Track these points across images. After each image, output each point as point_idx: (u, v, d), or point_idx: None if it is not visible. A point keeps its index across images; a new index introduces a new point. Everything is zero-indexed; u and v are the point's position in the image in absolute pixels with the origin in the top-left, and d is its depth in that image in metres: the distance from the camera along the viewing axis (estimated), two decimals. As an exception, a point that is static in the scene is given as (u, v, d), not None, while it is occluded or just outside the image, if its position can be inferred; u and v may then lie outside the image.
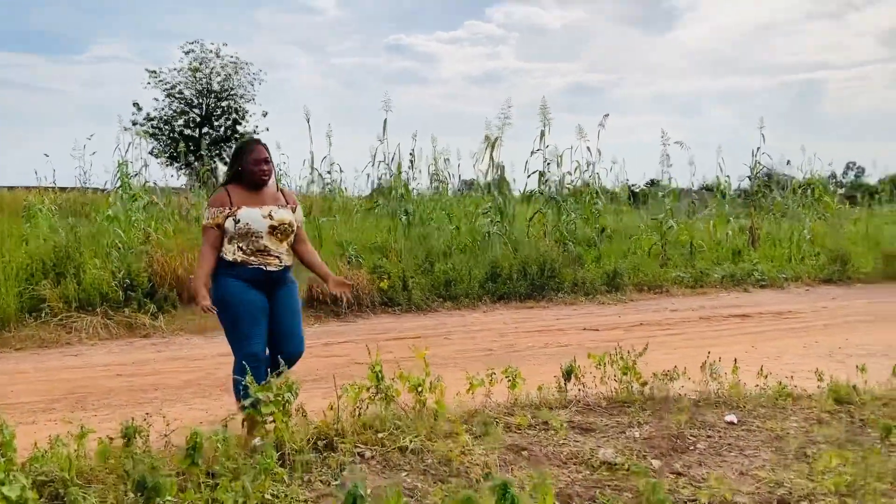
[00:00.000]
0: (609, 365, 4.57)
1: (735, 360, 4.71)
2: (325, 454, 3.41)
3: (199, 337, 7.01)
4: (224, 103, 30.73)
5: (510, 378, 4.33)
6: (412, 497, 2.99)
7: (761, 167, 15.85)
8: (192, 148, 26.59)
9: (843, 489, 3.08)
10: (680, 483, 3.23)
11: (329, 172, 13.91)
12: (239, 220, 3.71)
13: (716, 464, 3.50)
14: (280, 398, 3.42)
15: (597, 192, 13.46)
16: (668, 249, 12.67)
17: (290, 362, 3.78)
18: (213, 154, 28.73)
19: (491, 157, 12.06)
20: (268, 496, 2.85)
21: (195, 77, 30.02)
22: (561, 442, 3.73)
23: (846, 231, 15.86)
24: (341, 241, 11.12)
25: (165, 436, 3.50)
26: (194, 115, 30.58)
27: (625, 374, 4.50)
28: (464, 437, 3.55)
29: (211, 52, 29.60)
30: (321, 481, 3.14)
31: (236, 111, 30.84)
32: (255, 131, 29.84)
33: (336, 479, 3.18)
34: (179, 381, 5.36)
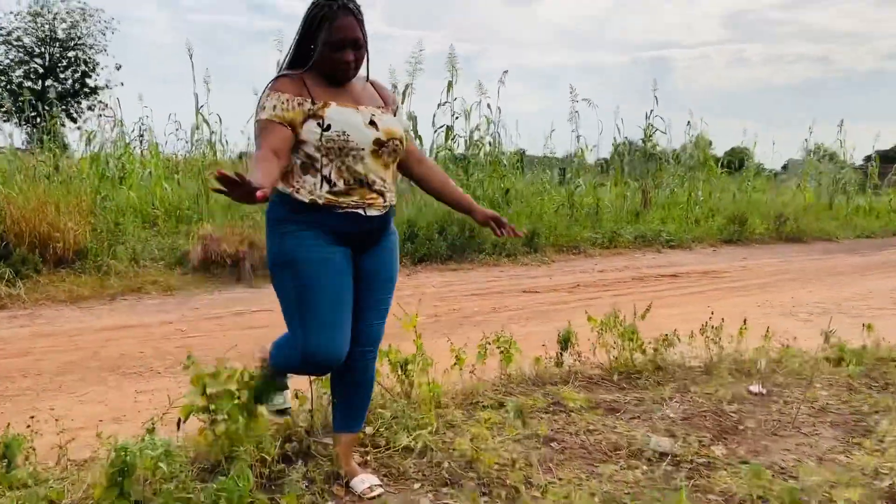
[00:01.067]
0: (609, 330, 3.87)
1: (744, 320, 4.15)
2: (303, 465, 2.47)
3: (73, 307, 5.68)
4: (71, 53, 27.55)
5: (503, 349, 3.53)
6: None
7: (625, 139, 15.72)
8: (33, 102, 23.53)
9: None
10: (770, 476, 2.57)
11: (206, 122, 12.38)
12: (329, 125, 2.12)
13: (780, 448, 2.88)
14: (240, 386, 2.44)
15: (501, 153, 12.87)
16: (574, 211, 12.34)
17: (369, 353, 2.44)
18: (60, 109, 25.62)
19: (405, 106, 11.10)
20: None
21: (36, 23, 26.63)
22: (590, 427, 2.98)
23: (739, 197, 16.32)
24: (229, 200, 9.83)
25: (60, 447, 2.44)
26: (35, 66, 27.18)
27: (629, 339, 3.81)
28: (481, 431, 2.72)
29: (53, -6, 26.30)
30: (311, 506, 2.21)
31: (85, 62, 27.76)
32: (107, 85, 26.92)
33: (330, 500, 2.26)
34: (56, 364, 4.13)
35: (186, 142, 14.63)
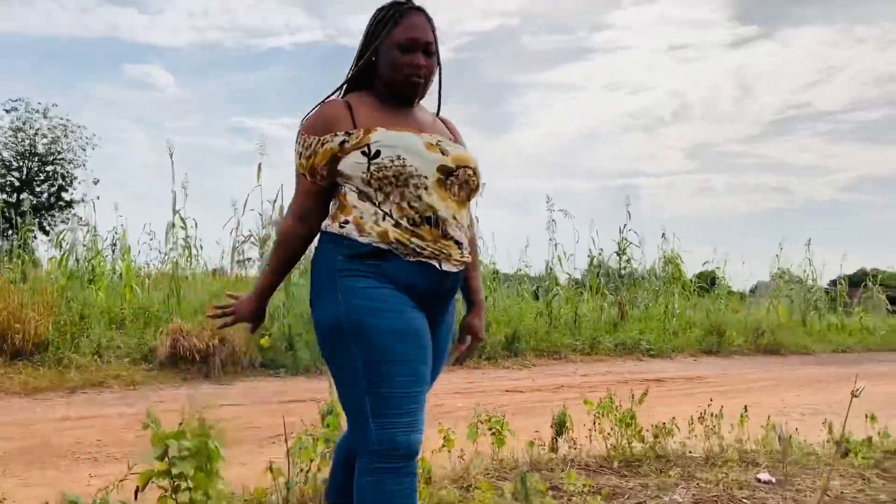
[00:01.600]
0: (604, 416, 3.64)
1: (745, 407, 3.95)
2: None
3: (27, 399, 5.29)
4: (49, 167, 27.71)
5: (495, 431, 3.28)
6: None
7: (599, 256, 15.89)
8: (7, 214, 23.37)
9: None
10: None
11: (184, 226, 12.25)
12: (378, 151, 1.67)
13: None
14: (202, 449, 2.17)
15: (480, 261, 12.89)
16: (553, 319, 12.24)
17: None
18: (33, 221, 25.51)
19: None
20: None
21: (17, 138, 26.89)
22: (595, 512, 2.71)
23: (715, 314, 16.39)
24: (202, 301, 9.57)
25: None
26: (12, 179, 27.22)
27: (628, 426, 3.58)
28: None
29: (37, 111, 26.68)
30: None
31: (63, 176, 27.87)
32: (83, 199, 27.01)
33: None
34: (2, 451, 3.76)
35: (160, 251, 14.42)
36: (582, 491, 2.90)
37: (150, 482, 2.12)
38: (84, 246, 12.14)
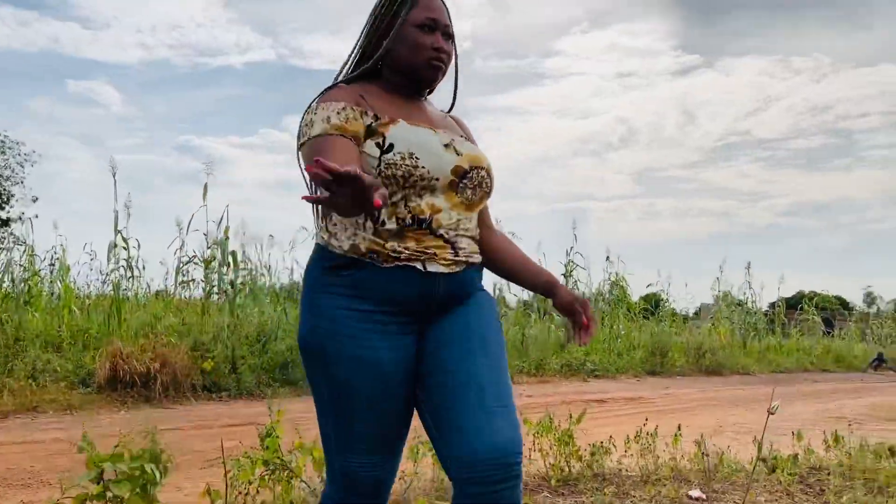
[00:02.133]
0: (543, 436, 3.73)
1: (678, 426, 4.09)
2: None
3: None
4: (-16, 185, 26.75)
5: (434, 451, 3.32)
6: None
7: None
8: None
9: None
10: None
11: (126, 246, 11.98)
12: (391, 145, 1.49)
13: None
14: (137, 473, 2.17)
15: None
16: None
17: (494, 479, 1.37)
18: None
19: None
20: None
21: (-49, 154, 25.94)
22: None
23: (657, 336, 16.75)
24: (147, 320, 9.38)
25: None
26: (-55, 196, 26.21)
27: (565, 445, 3.67)
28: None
29: (-30, 127, 25.81)
30: None
31: (-1, 194, 26.95)
32: (20, 217, 26.20)
33: None
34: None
35: (101, 272, 14.05)
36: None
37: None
38: (20, 266, 11.80)
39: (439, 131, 1.59)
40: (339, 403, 1.53)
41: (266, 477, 2.64)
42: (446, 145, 1.56)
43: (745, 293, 21.88)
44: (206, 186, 10.34)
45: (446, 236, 1.52)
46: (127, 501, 2.09)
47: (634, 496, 3.33)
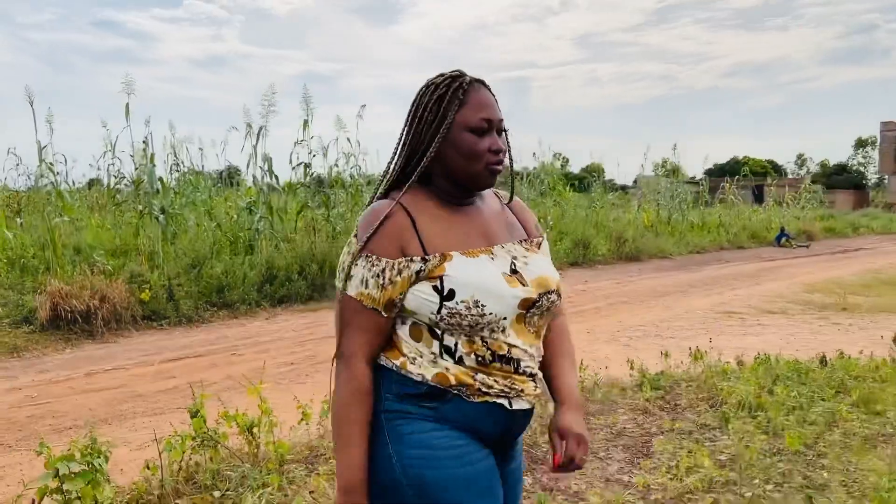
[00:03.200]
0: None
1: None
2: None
3: None
4: None
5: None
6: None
7: None
8: None
9: (705, 486, 3.16)
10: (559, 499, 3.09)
11: (51, 165, 11.91)
12: (452, 291, 1.39)
13: (576, 473, 3.42)
14: (90, 467, 2.65)
15: (361, 184, 13.29)
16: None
17: None
18: None
19: (254, 147, 11.23)
20: None
21: None
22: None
23: (582, 217, 17.56)
24: (78, 245, 9.57)
25: None
26: None
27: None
28: (319, 483, 3.06)
29: None
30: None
31: None
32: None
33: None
34: None
35: (29, 176, 13.98)
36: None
37: (47, 496, 2.58)
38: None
39: (498, 251, 1.47)
40: None
41: (197, 447, 3.14)
42: (512, 272, 1.44)
43: (674, 168, 22.89)
44: (127, 107, 10.25)
45: (527, 371, 1.44)
46: (80, 492, 2.58)
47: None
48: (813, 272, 12.47)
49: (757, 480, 3.21)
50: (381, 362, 1.44)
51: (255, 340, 6.89)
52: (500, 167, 1.46)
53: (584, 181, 25.63)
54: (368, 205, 1.48)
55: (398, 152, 1.50)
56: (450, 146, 1.43)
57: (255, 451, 3.33)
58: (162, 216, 9.09)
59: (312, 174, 11.98)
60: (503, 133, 1.49)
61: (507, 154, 1.49)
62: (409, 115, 1.49)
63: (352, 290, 1.40)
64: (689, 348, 5.25)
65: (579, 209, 18.61)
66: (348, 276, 1.41)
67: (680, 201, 21.51)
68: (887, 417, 4.00)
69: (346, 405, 1.37)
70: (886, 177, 54.03)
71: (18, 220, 11.94)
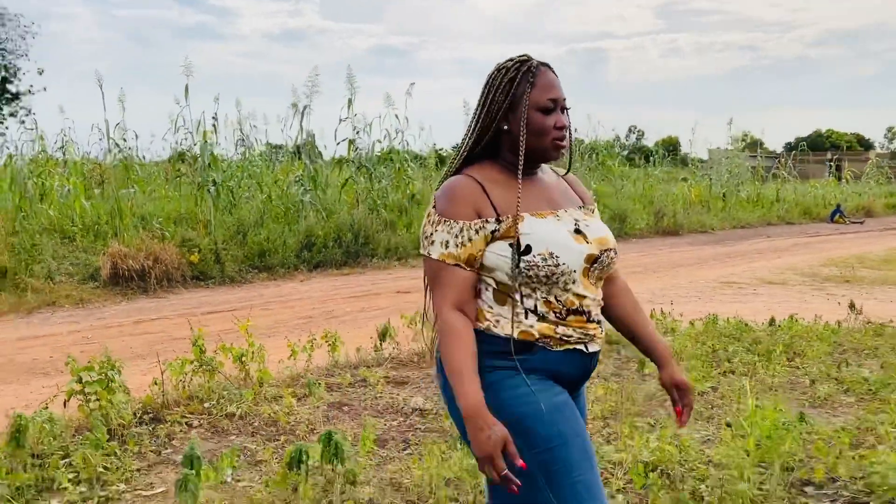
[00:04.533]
0: (418, 323, 5.03)
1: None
2: (152, 427, 3.54)
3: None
4: (-11, 60, 27.33)
5: (330, 342, 4.65)
6: (243, 457, 3.24)
7: None
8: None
9: (606, 413, 3.76)
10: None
11: (124, 140, 13.14)
12: (528, 246, 1.57)
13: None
14: (103, 376, 3.48)
15: (406, 160, 14.00)
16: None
17: None
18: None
19: (300, 125, 12.12)
20: (101, 469, 2.96)
21: (-48, 31, 26.38)
22: (378, 395, 4.13)
23: (626, 191, 17.81)
24: (144, 213, 10.70)
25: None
26: (-49, 74, 26.91)
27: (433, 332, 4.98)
28: (289, 400, 3.83)
29: (-35, 3, 26.11)
30: (152, 451, 3.28)
31: (5, 68, 27.64)
32: (29, 91, 26.99)
33: (166, 448, 3.34)
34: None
35: (109, 149, 15.34)
36: (378, 382, 4.31)
37: (73, 397, 3.43)
38: (30, 159, 13.03)
39: (562, 215, 1.64)
40: (557, 463, 1.53)
41: (195, 370, 3.96)
42: (576, 231, 1.62)
43: (758, 135, 22.51)
44: (186, 88, 11.28)
45: (596, 319, 1.63)
46: (98, 394, 3.41)
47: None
48: (847, 247, 12.50)
49: (661, 410, 3.79)
50: (480, 327, 1.59)
51: (286, 298, 7.76)
52: (564, 143, 1.64)
53: (654, 154, 25.60)
54: (444, 179, 1.67)
55: (472, 128, 1.67)
56: (518, 123, 1.59)
57: (245, 375, 4.13)
58: (213, 188, 10.06)
59: (357, 149, 12.78)
60: (566, 111, 1.65)
61: (568, 130, 1.65)
62: (481, 96, 1.66)
63: (434, 254, 1.58)
64: (657, 310, 5.77)
65: (628, 182, 18.86)
66: (431, 243, 1.59)
67: (733, 176, 21.35)
68: (804, 369, 4.48)
69: (450, 350, 1.53)
70: (978, 151, 51.07)
71: (97, 190, 13.25)
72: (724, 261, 10.81)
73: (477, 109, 1.67)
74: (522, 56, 1.64)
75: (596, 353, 1.66)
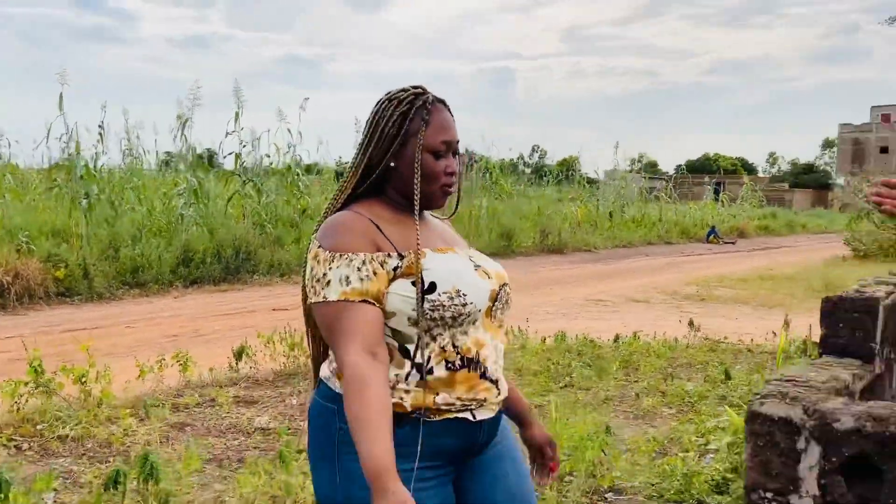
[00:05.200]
0: (279, 342, 5.09)
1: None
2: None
3: None
4: None
5: (181, 362, 4.64)
6: (68, 479, 3.21)
7: None
8: None
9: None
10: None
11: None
12: (433, 284, 1.39)
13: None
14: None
15: (298, 174, 13.97)
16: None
17: None
18: None
19: (184, 136, 11.90)
20: None
21: None
22: (224, 415, 4.16)
23: (516, 210, 18.35)
24: (11, 226, 10.20)
25: None
26: None
27: (292, 349, 5.05)
28: (127, 421, 3.81)
29: None
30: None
31: None
32: None
33: None
34: None
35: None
36: (228, 402, 4.33)
37: None
38: None
39: (459, 251, 1.49)
40: None
41: (31, 392, 3.87)
42: (476, 268, 1.46)
43: (654, 156, 23.65)
44: (60, 97, 10.86)
45: (493, 376, 1.43)
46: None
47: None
48: (714, 267, 13.38)
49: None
50: (334, 388, 1.39)
51: (155, 316, 7.60)
52: (453, 189, 1.49)
53: (550, 174, 26.44)
54: (324, 217, 1.46)
55: (358, 161, 1.48)
56: (408, 164, 1.43)
57: (86, 397, 4.06)
58: (85, 200, 9.73)
59: (243, 163, 12.63)
60: (457, 155, 1.50)
61: (459, 175, 1.51)
62: (369, 127, 1.48)
63: (333, 295, 1.33)
64: (514, 327, 6.04)
65: (522, 200, 19.42)
66: (326, 284, 1.34)
67: (620, 196, 22.40)
68: (636, 384, 4.83)
69: (356, 400, 1.25)
70: (843, 177, 55.51)
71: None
72: (600, 279, 11.35)
73: (364, 142, 1.48)
74: (417, 88, 1.48)
75: (486, 422, 1.44)
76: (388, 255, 1.37)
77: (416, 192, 1.43)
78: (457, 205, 1.59)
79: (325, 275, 1.35)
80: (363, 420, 1.24)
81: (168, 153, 16.10)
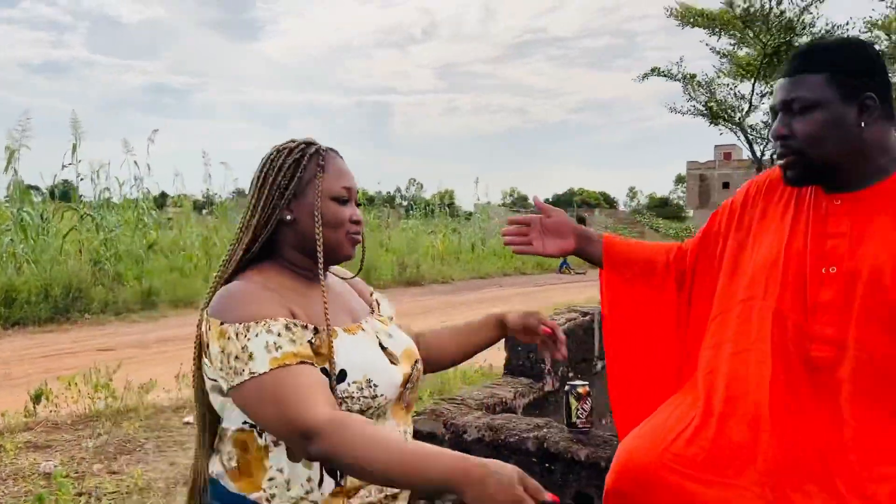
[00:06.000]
0: (83, 384, 4.92)
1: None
2: None
3: None
4: None
5: (-32, 408, 4.39)
6: None
7: None
8: None
9: None
10: (108, 480, 3.78)
11: None
12: (343, 372, 1.24)
13: (154, 459, 4.13)
14: None
15: (144, 208, 13.49)
16: (213, 263, 13.31)
17: None
18: None
19: (14, 169, 11.23)
20: None
21: None
22: (10, 462, 3.97)
23: (382, 243, 18.56)
24: None
25: None
26: None
27: (96, 390, 4.89)
28: None
29: None
30: None
31: None
32: None
33: None
34: None
35: None
36: (15, 448, 4.14)
37: None
38: None
39: (366, 327, 1.37)
40: None
41: None
42: (382, 348, 1.34)
43: (517, 193, 24.53)
44: None
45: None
46: None
47: (126, 426, 4.63)
48: (558, 296, 14.06)
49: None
50: (234, 491, 1.22)
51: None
52: (359, 237, 1.39)
53: (425, 206, 26.88)
54: (214, 290, 1.28)
55: (246, 222, 1.33)
56: (309, 215, 1.30)
57: None
58: None
59: (81, 197, 12.08)
60: (359, 205, 1.42)
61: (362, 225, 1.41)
62: (257, 181, 1.33)
63: (262, 366, 1.14)
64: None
65: (383, 233, 19.65)
66: (250, 357, 1.14)
67: (481, 230, 23.18)
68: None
69: (363, 444, 1.05)
70: (692, 210, 60.02)
71: None
72: (446, 310, 11.65)
73: (252, 199, 1.32)
74: (307, 138, 1.37)
75: None
76: (305, 326, 1.22)
77: (318, 242, 1.29)
78: (362, 261, 1.49)
79: (243, 348, 1.15)
80: (395, 449, 1.05)
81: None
